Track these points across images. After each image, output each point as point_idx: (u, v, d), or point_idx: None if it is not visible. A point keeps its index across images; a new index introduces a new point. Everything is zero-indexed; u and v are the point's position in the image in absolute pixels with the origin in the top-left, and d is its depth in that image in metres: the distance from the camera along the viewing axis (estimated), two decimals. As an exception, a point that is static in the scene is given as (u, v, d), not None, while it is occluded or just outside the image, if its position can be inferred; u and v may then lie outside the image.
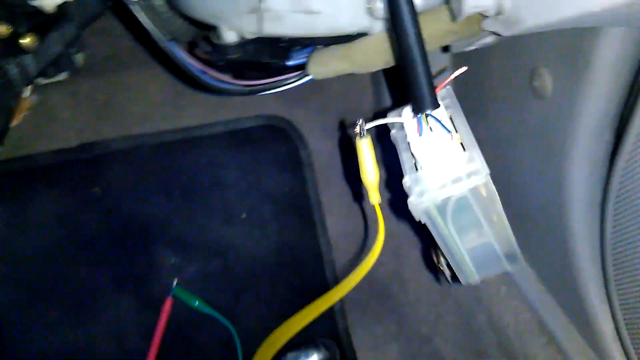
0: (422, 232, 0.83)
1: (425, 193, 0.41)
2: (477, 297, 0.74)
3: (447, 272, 0.49)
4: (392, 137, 0.47)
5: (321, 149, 0.89)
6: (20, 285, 0.82)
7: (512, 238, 0.44)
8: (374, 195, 0.44)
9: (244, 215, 0.87)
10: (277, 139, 0.90)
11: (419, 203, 0.40)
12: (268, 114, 0.89)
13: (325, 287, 0.85)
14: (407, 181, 0.42)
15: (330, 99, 0.90)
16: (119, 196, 0.86)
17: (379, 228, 0.45)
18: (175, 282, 0.83)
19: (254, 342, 0.80)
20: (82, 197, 0.85)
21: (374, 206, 0.44)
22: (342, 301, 0.85)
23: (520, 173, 0.64)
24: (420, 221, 0.43)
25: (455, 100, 0.45)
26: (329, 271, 0.86)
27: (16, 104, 0.61)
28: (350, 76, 0.89)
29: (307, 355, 0.78)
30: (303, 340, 0.80)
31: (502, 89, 0.65)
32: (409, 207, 0.41)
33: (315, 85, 0.90)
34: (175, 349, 0.81)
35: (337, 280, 0.86)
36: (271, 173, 0.89)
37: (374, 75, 0.87)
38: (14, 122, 0.69)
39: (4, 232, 0.83)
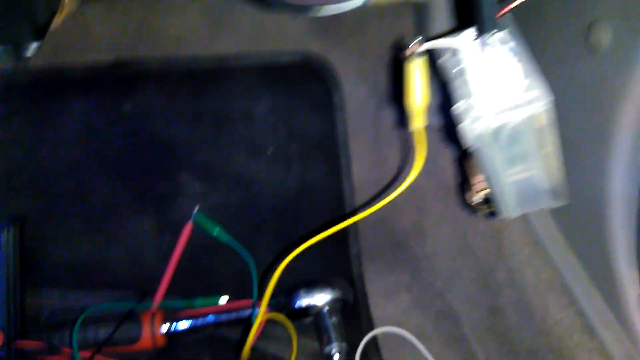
0: (448, 183, 0.83)
1: (480, 119, 0.40)
2: (498, 254, 0.73)
3: (484, 209, 0.48)
4: (439, 65, 0.46)
5: (355, 94, 0.87)
6: (43, 195, 0.83)
7: (561, 173, 0.44)
8: (419, 120, 0.43)
9: (270, 151, 0.86)
10: (311, 78, 0.88)
11: (472, 129, 0.39)
12: (305, 52, 0.88)
13: (343, 230, 0.84)
14: (459, 107, 0.41)
15: (369, 43, 0.88)
16: (148, 117, 0.85)
17: (417, 154, 0.45)
18: (196, 208, 0.83)
19: (269, 276, 0.81)
20: (111, 114, 0.85)
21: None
22: (359, 247, 0.85)
23: (563, 129, 0.63)
24: (464, 153, 0.42)
25: (515, 28, 0.44)
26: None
27: (59, 4, 0.60)
28: (393, 20, 0.88)
29: (321, 292, 0.78)
30: (318, 279, 0.81)
31: (555, 41, 0.62)
32: (460, 133, 0.40)
33: (356, 26, 0.88)
34: (190, 274, 0.82)
35: (356, 226, 0.86)
36: (301, 112, 0.88)
37: (417, 20, 0.85)
38: (54, 25, 0.68)
39: (31, 141, 0.84)
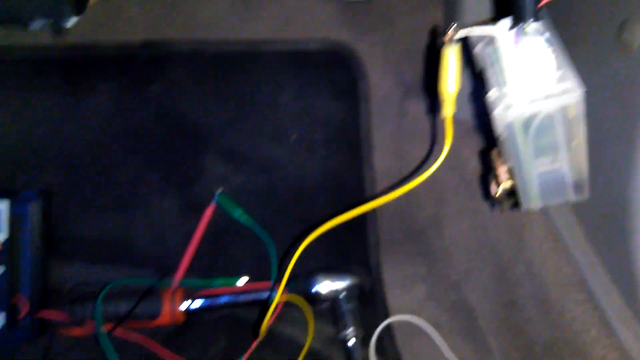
0: (469, 177, 0.83)
1: (512, 107, 0.40)
2: (518, 248, 0.73)
3: (507, 202, 0.49)
4: (475, 54, 0.47)
5: (380, 84, 0.88)
6: (71, 170, 0.85)
7: (586, 167, 0.44)
8: (449, 107, 0.44)
9: (293, 137, 0.87)
10: (338, 66, 0.89)
11: (504, 116, 0.40)
12: (332, 40, 0.88)
13: (363, 218, 0.85)
14: (493, 94, 0.41)
15: (398, 33, 0.88)
16: (176, 98, 0.87)
17: (446, 139, 0.45)
18: (219, 190, 0.84)
19: (288, 259, 0.82)
20: (140, 94, 0.86)
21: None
22: (377, 236, 0.86)
23: (591, 123, 0.63)
24: (490, 144, 0.43)
25: (548, 22, 0.44)
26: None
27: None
28: (422, 12, 0.88)
29: (339, 278, 0.79)
30: (336, 266, 0.82)
31: (586, 37, 0.62)
32: (491, 121, 0.41)
33: (385, 16, 0.89)
34: (210, 255, 0.83)
35: (375, 216, 0.86)
36: (326, 100, 0.89)
37: (446, 11, 0.85)
38: (92, 1, 0.70)
39: (61, 116, 0.86)
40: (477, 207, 0.82)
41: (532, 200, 0.48)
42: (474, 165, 0.82)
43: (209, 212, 0.84)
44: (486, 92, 0.42)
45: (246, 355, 0.76)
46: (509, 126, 0.41)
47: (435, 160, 0.48)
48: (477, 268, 0.82)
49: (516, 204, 0.50)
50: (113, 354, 0.70)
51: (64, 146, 0.86)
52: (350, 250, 0.86)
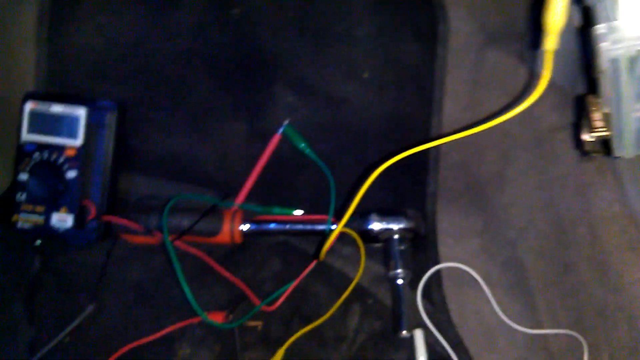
0: (542, 134, 0.80)
1: (621, 42, 0.38)
2: (582, 210, 0.72)
3: (597, 150, 0.47)
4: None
5: (461, 28, 0.85)
6: (147, 85, 0.88)
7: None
8: (553, 40, 0.42)
9: (366, 75, 0.86)
10: (419, 6, 0.86)
11: (611, 49, 0.38)
12: (417, -22, 0.85)
13: (424, 166, 0.85)
14: (602, 28, 0.40)
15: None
16: (255, 24, 0.87)
17: (543, 76, 0.44)
18: (286, 121, 0.85)
19: (346, 196, 0.83)
20: (222, 15, 0.86)
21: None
22: (436, 185, 0.85)
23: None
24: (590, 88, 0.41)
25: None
26: (433, 152, 0.85)
27: None
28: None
29: (394, 219, 0.80)
30: (393, 208, 0.82)
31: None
32: (598, 54, 0.40)
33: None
34: (271, 184, 0.85)
35: (437, 165, 0.86)
36: (403, 40, 0.87)
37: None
38: None
39: (143, 30, 0.88)
40: (546, 166, 0.80)
41: (627, 147, 0.46)
42: (549, 122, 0.79)
43: (274, 140, 0.85)
44: (591, 26, 0.40)
45: (302, 274, 0.79)
46: (614, 62, 0.39)
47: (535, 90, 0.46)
48: (535, 227, 0.81)
49: (607, 153, 0.48)
50: (177, 262, 0.73)
51: (144, 60, 0.88)
52: (408, 196, 0.86)
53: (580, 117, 0.53)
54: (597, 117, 0.49)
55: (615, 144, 0.46)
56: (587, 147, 0.50)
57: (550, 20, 0.42)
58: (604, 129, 0.48)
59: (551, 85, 0.79)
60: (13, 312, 0.79)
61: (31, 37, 0.86)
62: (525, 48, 0.82)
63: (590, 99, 0.50)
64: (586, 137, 0.49)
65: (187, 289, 0.73)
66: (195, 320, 0.78)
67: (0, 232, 0.82)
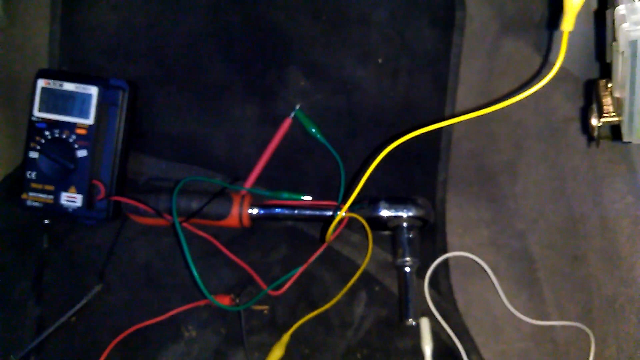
0: (556, 124, 0.79)
1: (640, 23, 0.38)
2: (595, 202, 0.71)
3: (607, 136, 0.47)
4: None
5: (477, 14, 0.84)
6: (160, 65, 0.87)
7: None
8: (570, 21, 0.42)
9: (380, 61, 0.86)
10: (437, -8, 0.85)
11: (630, 33, 0.38)
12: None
13: (435, 154, 0.85)
14: (622, 9, 0.39)
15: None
16: (270, 5, 0.86)
17: (559, 56, 0.43)
18: (298, 106, 0.85)
19: (356, 183, 0.83)
20: (235, -2, 0.86)
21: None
22: (447, 174, 0.85)
23: None
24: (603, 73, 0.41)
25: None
26: (445, 140, 0.85)
27: None
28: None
29: (403, 206, 0.79)
30: (402, 196, 0.82)
31: None
32: (616, 36, 0.39)
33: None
34: (281, 168, 0.85)
35: (448, 153, 0.85)
36: (419, 26, 0.86)
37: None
38: None
39: (156, 10, 0.87)
40: (558, 157, 0.79)
41: (638, 132, 0.45)
42: (563, 112, 0.78)
43: (285, 124, 0.85)
44: (608, 9, 0.40)
45: (311, 259, 0.79)
46: (633, 45, 0.38)
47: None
48: (546, 219, 0.80)
49: (616, 139, 0.47)
50: (185, 244, 0.73)
51: (157, 40, 0.87)
52: (418, 183, 0.86)
53: (590, 103, 0.52)
54: (608, 101, 0.48)
55: (625, 129, 0.46)
56: (596, 133, 0.49)
57: (568, 1, 0.41)
58: (615, 114, 0.47)
59: (566, 75, 0.78)
60: (21, 290, 0.80)
61: (45, 15, 0.86)
62: (541, 37, 0.81)
63: (602, 83, 0.49)
64: (596, 122, 0.49)
65: (194, 271, 0.73)
66: (201, 303, 0.78)
67: (10, 210, 0.82)
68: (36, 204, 0.79)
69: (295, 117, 0.85)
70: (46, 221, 0.82)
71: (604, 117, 0.47)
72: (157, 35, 0.87)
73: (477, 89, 0.85)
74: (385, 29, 0.86)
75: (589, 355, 0.72)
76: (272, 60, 0.87)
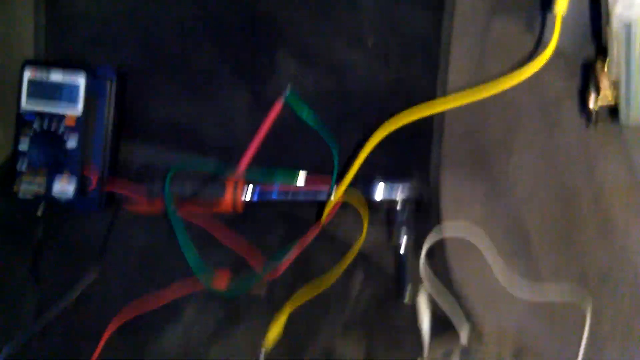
0: (549, 102, 0.80)
1: (635, 5, 0.38)
2: (588, 179, 0.72)
3: (604, 117, 0.47)
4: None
5: (467, -6, 0.84)
6: (148, 51, 0.86)
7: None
8: (564, 3, 0.42)
9: (370, 43, 0.85)
10: (426, -29, 0.84)
11: (624, 16, 0.38)
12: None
13: (428, 134, 0.85)
14: None
15: None
16: (257, -12, 0.85)
17: (552, 39, 0.43)
18: (288, 88, 0.84)
19: (348, 165, 0.83)
20: (222, -19, 0.85)
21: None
22: (440, 153, 0.85)
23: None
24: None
25: None
26: (438, 119, 0.85)
27: None
28: None
29: (397, 187, 0.80)
30: (396, 176, 0.83)
31: None
32: (610, 18, 0.39)
33: None
34: (274, 151, 0.85)
35: (441, 133, 0.85)
36: (410, 7, 0.85)
37: None
38: None
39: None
40: (551, 135, 0.80)
41: (634, 115, 0.46)
42: (556, 90, 0.78)
43: (277, 107, 0.84)
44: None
45: (306, 240, 0.79)
46: (627, 28, 0.38)
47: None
48: (539, 195, 0.81)
49: (613, 121, 0.48)
50: (180, 229, 0.73)
51: (144, 27, 0.86)
52: (412, 163, 0.85)
53: (587, 85, 0.53)
54: (605, 84, 0.48)
55: (622, 111, 0.46)
56: (593, 115, 0.49)
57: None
58: (611, 97, 0.48)
59: (559, 52, 0.78)
60: (18, 277, 0.80)
61: (29, 3, 0.85)
62: (533, 16, 0.81)
63: (599, 65, 0.49)
64: (592, 104, 0.49)
65: (190, 256, 0.73)
66: (198, 288, 0.78)
67: (2, 203, 0.81)
68: (28, 195, 0.78)
69: (286, 100, 0.84)
70: (39, 213, 0.82)
71: (600, 99, 0.47)
72: (144, 21, 0.86)
73: (469, 69, 0.84)
74: (375, 12, 0.85)
75: (584, 327, 0.73)
76: (261, 44, 0.86)
